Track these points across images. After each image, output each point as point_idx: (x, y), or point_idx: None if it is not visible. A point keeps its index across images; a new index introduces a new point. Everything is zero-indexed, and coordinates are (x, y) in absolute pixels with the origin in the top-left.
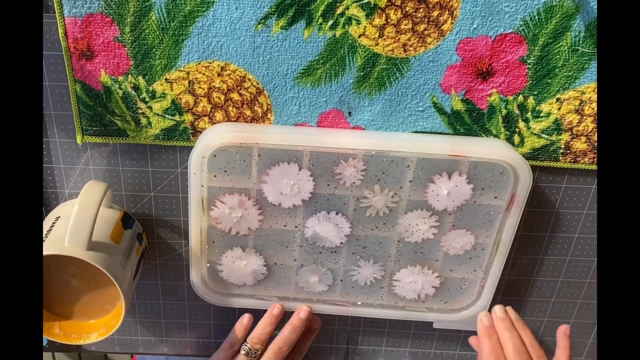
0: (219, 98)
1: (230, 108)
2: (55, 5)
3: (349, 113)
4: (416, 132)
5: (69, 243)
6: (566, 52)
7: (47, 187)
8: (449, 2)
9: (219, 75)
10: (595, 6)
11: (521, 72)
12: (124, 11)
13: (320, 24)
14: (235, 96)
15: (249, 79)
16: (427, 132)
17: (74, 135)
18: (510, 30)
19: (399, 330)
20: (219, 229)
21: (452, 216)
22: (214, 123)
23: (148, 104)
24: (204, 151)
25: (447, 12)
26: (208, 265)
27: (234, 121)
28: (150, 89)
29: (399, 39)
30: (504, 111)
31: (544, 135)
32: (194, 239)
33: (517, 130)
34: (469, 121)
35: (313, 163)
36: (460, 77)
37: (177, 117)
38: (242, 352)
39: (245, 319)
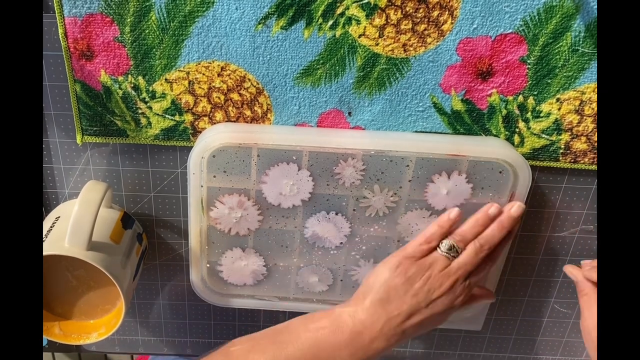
0: (219, 98)
1: (230, 108)
2: (55, 5)
3: (349, 113)
4: (416, 132)
5: (69, 243)
6: (566, 52)
7: (47, 187)
8: (449, 2)
9: (219, 75)
10: (595, 6)
11: (521, 72)
12: (124, 11)
13: (320, 24)
14: (235, 96)
15: (249, 79)
16: (427, 132)
17: (74, 135)
18: (510, 31)
19: None
20: (219, 230)
21: None
22: (214, 123)
23: (148, 104)
24: (203, 152)
25: (447, 12)
26: (208, 265)
27: (234, 121)
28: (150, 89)
29: (399, 39)
30: (504, 111)
31: (544, 136)
32: (193, 240)
33: (517, 130)
34: (469, 121)
35: (312, 163)
36: (460, 77)
37: (177, 117)
38: (443, 247)
39: (454, 213)
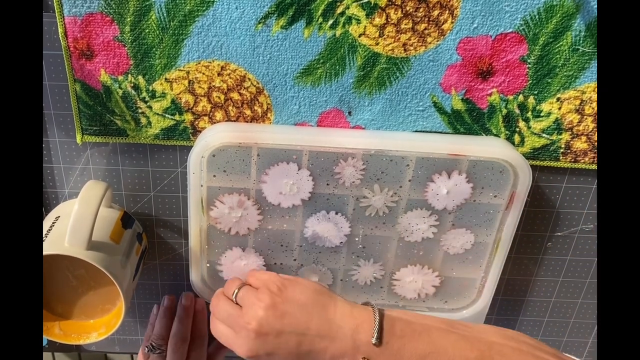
0: (219, 97)
1: (230, 108)
2: (55, 4)
3: (349, 112)
4: (416, 131)
5: (69, 243)
6: (566, 51)
7: (47, 186)
8: (449, 1)
9: (219, 74)
10: (595, 6)
11: (521, 71)
12: (123, 10)
13: (320, 23)
14: (235, 96)
15: (249, 79)
16: (427, 132)
17: (74, 135)
18: (510, 30)
19: None
20: (219, 229)
21: (451, 215)
22: (214, 122)
23: (148, 104)
24: (203, 151)
25: (447, 12)
26: (208, 265)
27: (234, 121)
28: (150, 88)
29: (399, 38)
30: (504, 111)
31: (544, 135)
32: (193, 239)
33: (517, 129)
34: (469, 121)
35: (312, 163)
36: (461, 77)
37: (177, 117)
38: (146, 349)
39: (154, 310)
